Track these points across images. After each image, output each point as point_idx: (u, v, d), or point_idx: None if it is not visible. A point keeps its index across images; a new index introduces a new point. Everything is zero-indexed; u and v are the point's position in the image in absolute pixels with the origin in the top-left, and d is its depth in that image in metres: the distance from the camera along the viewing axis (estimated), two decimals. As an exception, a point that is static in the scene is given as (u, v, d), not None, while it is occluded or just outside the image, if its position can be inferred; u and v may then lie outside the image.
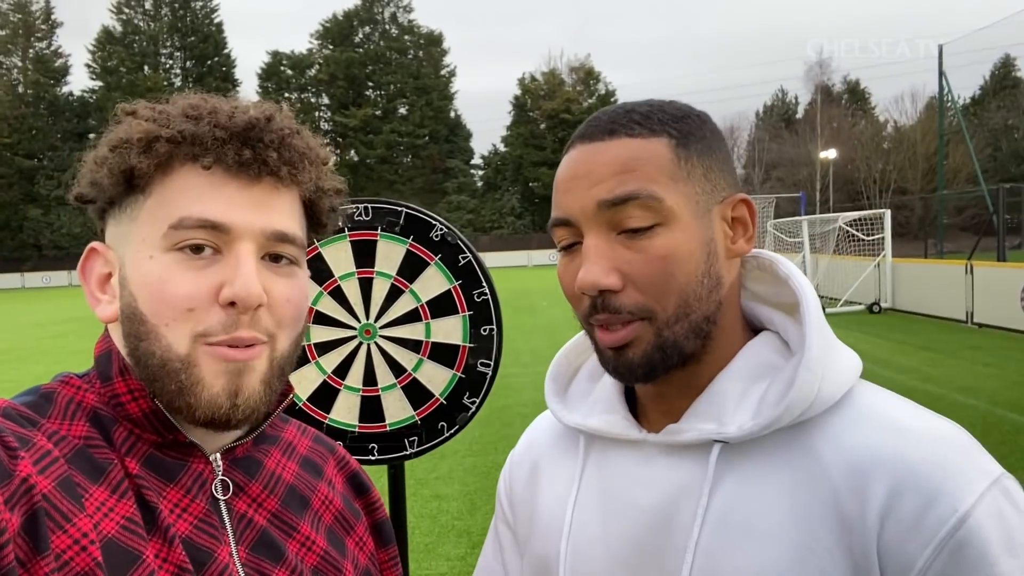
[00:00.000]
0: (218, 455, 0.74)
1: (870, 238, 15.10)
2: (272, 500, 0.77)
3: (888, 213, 15.10)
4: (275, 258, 0.72)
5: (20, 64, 51.19)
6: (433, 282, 1.59)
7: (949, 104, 22.62)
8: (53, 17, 52.92)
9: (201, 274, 0.67)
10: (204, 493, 0.72)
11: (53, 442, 0.65)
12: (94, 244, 0.73)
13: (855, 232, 15.31)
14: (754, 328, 0.81)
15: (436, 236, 1.58)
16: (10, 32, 51.11)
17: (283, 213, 0.72)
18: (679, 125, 0.74)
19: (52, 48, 52.69)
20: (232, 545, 0.71)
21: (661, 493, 0.75)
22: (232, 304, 0.67)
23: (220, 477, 0.74)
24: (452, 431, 1.62)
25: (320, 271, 1.59)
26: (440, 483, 5.35)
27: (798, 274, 0.77)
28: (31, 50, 51.58)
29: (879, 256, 14.65)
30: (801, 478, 0.69)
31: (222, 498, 0.73)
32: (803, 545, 0.66)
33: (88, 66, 51.70)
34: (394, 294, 1.59)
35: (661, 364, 0.73)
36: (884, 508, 0.64)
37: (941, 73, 21.23)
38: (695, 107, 0.78)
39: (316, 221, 0.79)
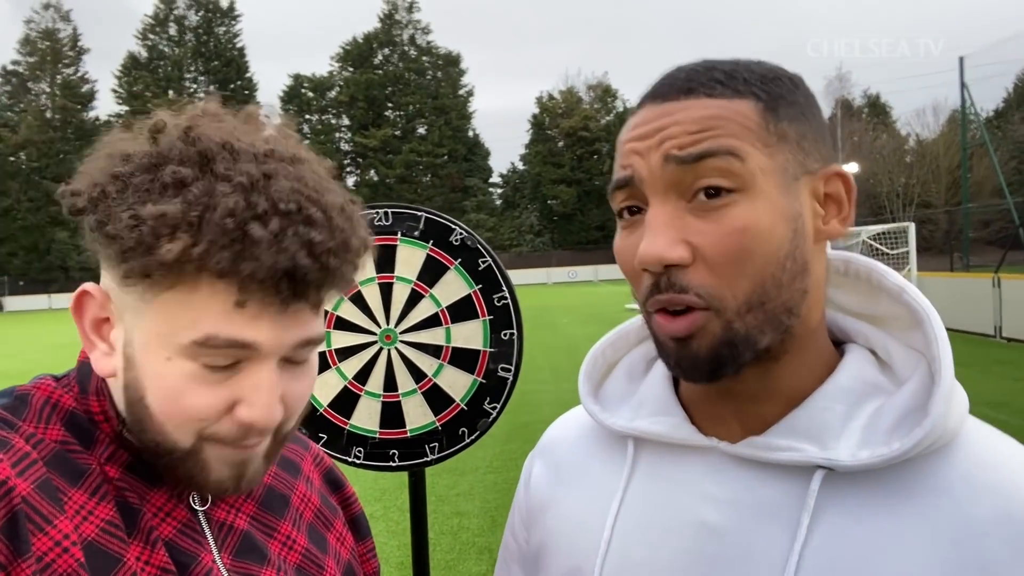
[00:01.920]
0: None
1: (894, 252, 14.93)
2: (250, 503, 0.77)
3: (912, 226, 14.94)
4: (291, 361, 0.67)
5: (48, 90, 52.37)
6: (453, 286, 1.58)
7: (972, 117, 22.39)
8: (80, 43, 54.18)
9: (219, 387, 0.64)
10: (183, 503, 0.71)
11: (31, 444, 0.64)
12: (88, 288, 0.67)
13: (879, 246, 15.15)
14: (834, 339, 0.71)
15: (456, 240, 1.58)
16: (38, 59, 52.35)
17: (312, 319, 0.66)
18: (768, 86, 0.64)
19: (79, 74, 53.87)
20: (215, 553, 0.71)
21: (738, 516, 0.64)
22: (248, 424, 0.64)
23: None
24: (473, 437, 1.60)
25: (340, 276, 1.59)
26: (461, 500, 5.31)
27: (911, 287, 0.66)
28: (59, 76, 52.75)
29: (904, 270, 14.47)
30: (932, 520, 0.59)
31: (200, 509, 0.72)
32: None
33: (114, 91, 52.79)
34: (414, 299, 1.58)
35: (730, 360, 0.62)
36: None
37: (963, 85, 21.04)
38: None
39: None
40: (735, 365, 0.63)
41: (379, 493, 5.33)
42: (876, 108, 55.03)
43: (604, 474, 0.76)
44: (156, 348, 0.63)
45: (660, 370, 0.75)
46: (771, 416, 0.66)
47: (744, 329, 0.62)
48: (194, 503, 0.72)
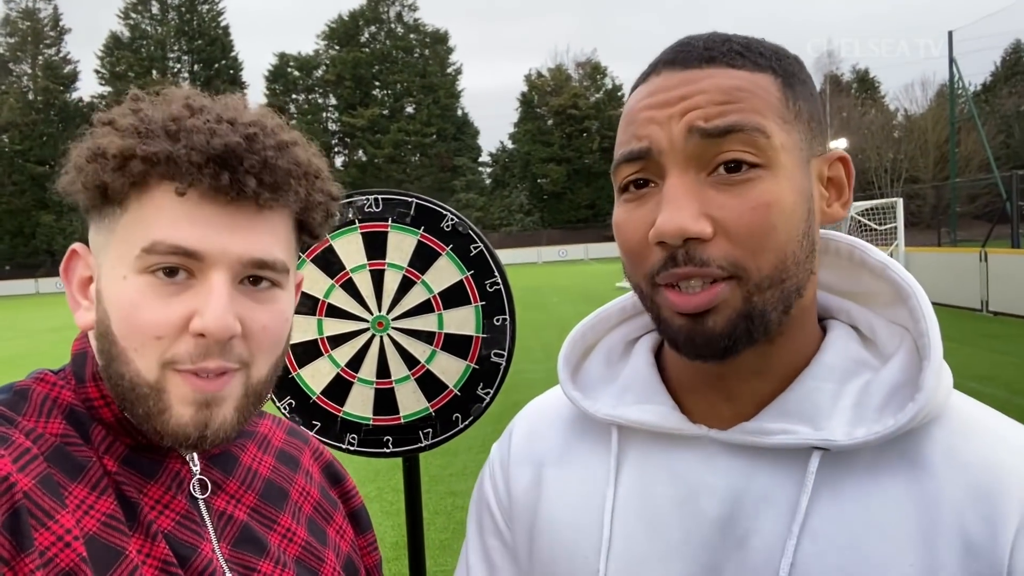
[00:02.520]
0: (195, 455, 0.74)
1: (882, 227, 14.99)
2: (250, 495, 0.77)
3: (900, 202, 15.00)
4: (255, 280, 0.69)
5: (30, 71, 51.55)
6: (445, 273, 1.58)
7: (960, 91, 22.40)
8: (61, 24, 53.27)
9: (172, 301, 0.65)
10: (183, 492, 0.71)
11: (31, 440, 0.64)
12: (75, 246, 0.71)
13: (867, 222, 15.21)
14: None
15: (447, 226, 1.57)
16: (19, 39, 51.46)
17: (265, 236, 0.68)
18: (783, 63, 0.63)
19: (61, 55, 53.03)
20: (214, 542, 0.71)
21: (736, 503, 0.64)
22: (201, 335, 0.65)
23: (198, 476, 0.73)
24: (467, 423, 1.61)
25: (331, 264, 1.58)
26: (455, 480, 5.34)
27: (895, 263, 0.66)
28: (40, 57, 51.92)
29: (892, 245, 14.55)
30: (915, 496, 0.60)
31: (200, 497, 0.72)
32: (925, 571, 0.58)
33: (97, 72, 52.03)
34: (406, 285, 1.58)
35: (745, 337, 0.61)
36: (1016, 534, 0.57)
37: (951, 60, 21.02)
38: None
39: (309, 232, 0.76)
40: (749, 341, 0.61)
41: (373, 474, 5.36)
42: (865, 83, 54.97)
43: (590, 465, 0.73)
44: (115, 270, 0.66)
45: (642, 353, 0.73)
46: (761, 397, 0.66)
47: (762, 304, 0.60)
48: (194, 491, 0.72)
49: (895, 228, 14.88)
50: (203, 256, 0.65)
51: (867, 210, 15.66)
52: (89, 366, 0.70)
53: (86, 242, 0.72)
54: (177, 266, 0.65)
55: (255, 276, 0.68)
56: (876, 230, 15.28)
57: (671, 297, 0.61)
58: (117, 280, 0.66)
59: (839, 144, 40.85)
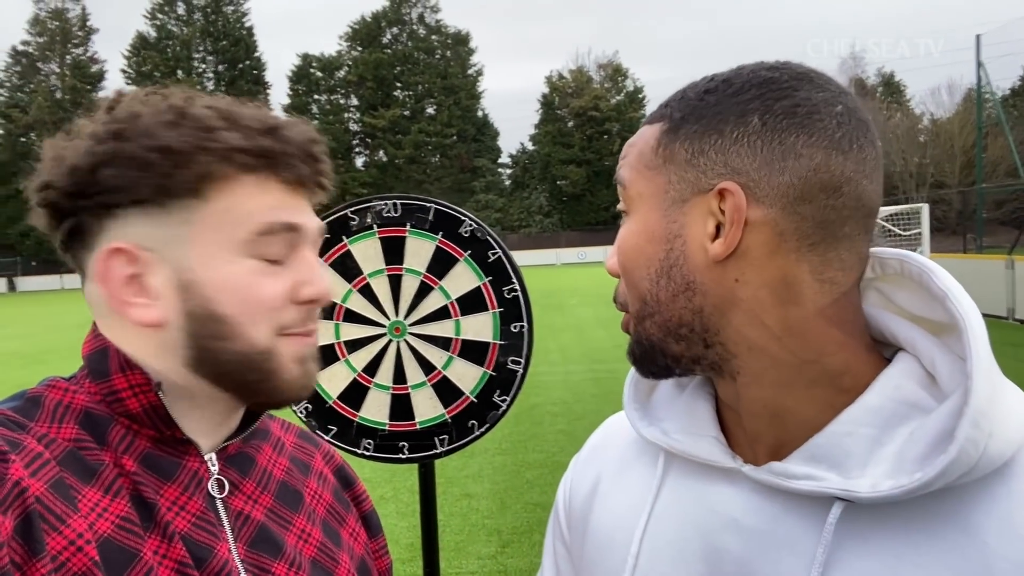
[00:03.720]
0: (213, 454, 0.75)
1: (907, 233, 14.81)
2: (267, 496, 0.78)
3: (926, 207, 14.81)
4: None
5: (58, 70, 52.38)
6: (463, 279, 1.57)
7: (987, 95, 22.06)
8: (89, 23, 54.09)
9: (279, 277, 0.72)
10: (200, 491, 0.72)
11: (43, 445, 0.65)
12: (120, 244, 0.69)
13: (892, 227, 15.03)
14: (878, 340, 0.65)
15: (466, 232, 1.56)
16: (48, 39, 52.32)
17: (315, 214, 0.78)
18: (688, 105, 0.64)
19: (88, 54, 53.85)
20: (231, 542, 0.72)
21: (759, 545, 0.62)
22: (310, 301, 0.73)
23: (215, 476, 0.74)
24: (483, 430, 1.60)
25: (349, 268, 1.58)
26: (470, 481, 5.34)
27: (960, 292, 0.60)
28: (68, 56, 52.75)
29: (916, 251, 14.35)
30: (954, 565, 0.55)
31: (219, 496, 0.73)
32: None
33: (123, 71, 52.74)
34: (424, 291, 1.58)
35: (645, 360, 0.68)
36: None
37: (979, 64, 20.72)
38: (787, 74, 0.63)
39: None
40: (654, 365, 0.68)
41: (389, 475, 5.37)
42: (890, 87, 54.36)
43: (637, 485, 0.75)
44: (217, 255, 0.70)
45: (700, 379, 0.73)
46: (777, 438, 0.64)
47: (645, 334, 0.67)
48: (212, 491, 0.73)
49: (919, 234, 14.69)
50: (304, 230, 0.74)
51: (892, 215, 15.48)
52: (113, 360, 0.71)
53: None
54: (282, 252, 0.72)
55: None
56: (901, 236, 15.09)
57: None
58: (223, 264, 0.70)
59: (863, 148, 40.13)
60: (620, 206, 0.69)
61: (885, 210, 15.52)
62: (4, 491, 0.58)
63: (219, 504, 0.73)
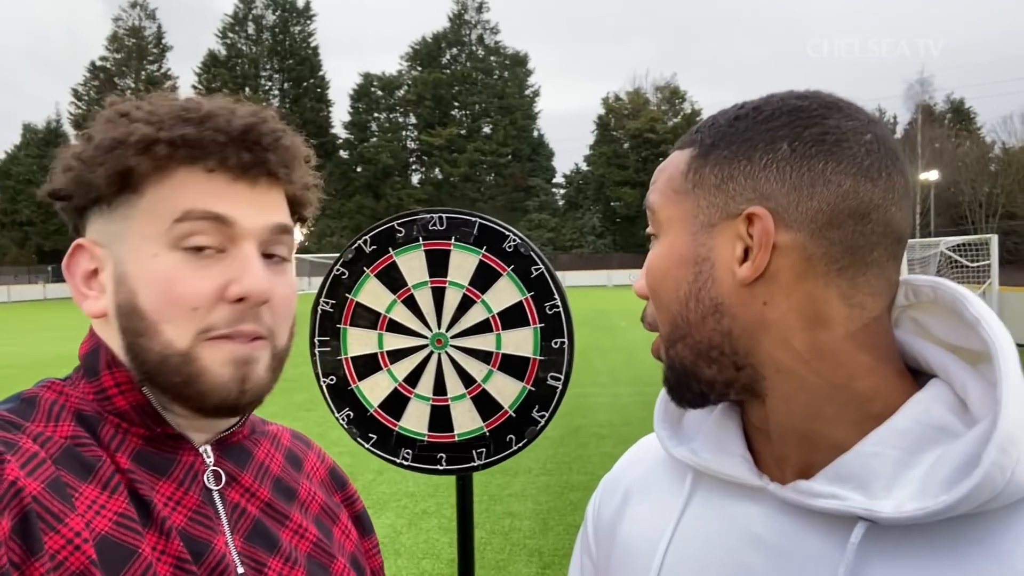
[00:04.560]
0: (208, 446, 0.75)
1: (975, 264, 14.27)
2: (263, 490, 0.78)
3: (995, 238, 14.25)
4: (270, 256, 0.73)
5: (133, 85, 54.74)
6: (505, 293, 1.58)
7: (1064, 123, 21.15)
8: (164, 41, 56.50)
9: (206, 273, 0.68)
10: (197, 484, 0.72)
11: (39, 444, 0.65)
12: (81, 241, 0.73)
13: (959, 258, 14.51)
14: (912, 368, 0.65)
15: (509, 247, 1.57)
16: (125, 55, 54.82)
17: (278, 208, 0.74)
18: (719, 131, 0.66)
19: (162, 70, 56.19)
20: (227, 535, 0.72)
21: (781, 563, 0.63)
22: (240, 300, 0.68)
23: (211, 468, 0.74)
24: (520, 444, 1.60)
25: (394, 279, 1.60)
26: (513, 500, 5.31)
27: (993, 319, 0.60)
28: (143, 72, 55.12)
29: (984, 284, 13.80)
30: None
31: (215, 488, 0.73)
32: None
33: (194, 87, 54.83)
34: (466, 304, 1.59)
35: (679, 386, 0.68)
36: None
37: (1055, 91, 19.92)
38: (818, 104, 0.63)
39: (300, 216, 0.81)
40: (688, 391, 0.68)
41: (432, 489, 5.38)
42: (959, 114, 52.70)
43: (664, 502, 0.75)
44: (143, 249, 0.69)
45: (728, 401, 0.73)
46: (805, 460, 0.64)
47: (677, 357, 0.67)
48: (208, 483, 0.73)
49: (988, 265, 14.13)
50: (233, 223, 0.69)
51: (959, 246, 14.95)
52: (103, 357, 0.72)
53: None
54: (208, 242, 0.69)
55: (275, 248, 0.73)
56: (968, 267, 14.54)
57: None
58: (147, 258, 0.69)
59: (930, 176, 39.22)
60: (649, 230, 0.71)
61: (951, 240, 15.01)
62: (0, 491, 0.58)
63: (216, 496, 0.73)
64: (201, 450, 0.74)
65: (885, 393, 0.62)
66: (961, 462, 0.56)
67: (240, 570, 0.71)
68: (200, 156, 0.69)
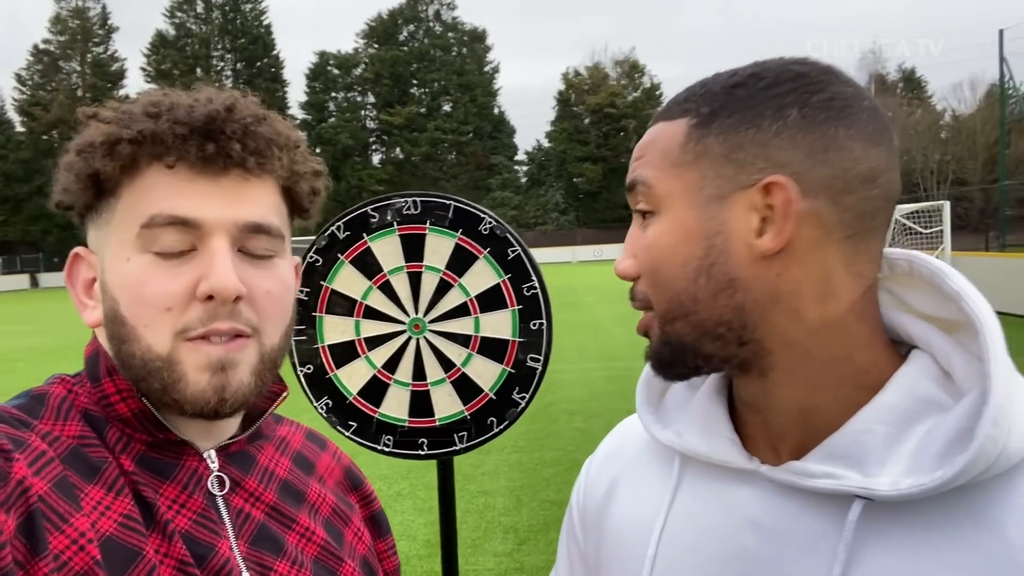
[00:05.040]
0: (212, 451, 0.74)
1: (928, 231, 14.64)
2: (268, 494, 0.77)
3: (947, 205, 14.63)
4: (253, 250, 0.71)
5: (79, 68, 52.98)
6: (482, 276, 1.57)
7: (1011, 91, 21.74)
8: (110, 22, 54.62)
9: (176, 273, 0.67)
10: (201, 489, 0.71)
11: (47, 443, 0.65)
12: (78, 249, 0.73)
13: (912, 225, 14.87)
14: (893, 339, 0.65)
15: (485, 230, 1.57)
16: (69, 37, 52.91)
17: (256, 203, 0.70)
18: (718, 99, 0.63)
19: (109, 52, 54.36)
20: (232, 540, 0.71)
21: (779, 545, 0.62)
22: (210, 298, 0.66)
23: (215, 473, 0.73)
24: (502, 426, 1.60)
25: (369, 265, 1.59)
26: (486, 479, 5.35)
27: (973, 292, 0.61)
28: (89, 55, 53.31)
29: (937, 249, 14.19)
30: (976, 560, 0.55)
31: (219, 494, 0.73)
32: None
33: (143, 69, 53.25)
34: (443, 288, 1.58)
35: (674, 362, 0.66)
36: None
37: (1002, 59, 20.43)
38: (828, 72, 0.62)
39: (298, 206, 0.77)
40: (683, 366, 0.66)
41: (406, 471, 5.39)
42: (911, 83, 53.73)
43: (653, 488, 0.75)
44: (118, 255, 0.68)
45: (713, 380, 0.73)
46: (802, 436, 0.64)
47: (675, 335, 0.65)
48: (212, 488, 0.72)
49: (941, 231, 14.52)
50: (201, 223, 0.67)
51: (912, 213, 15.31)
52: (103, 363, 0.71)
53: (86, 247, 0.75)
54: (177, 243, 0.67)
55: (253, 245, 0.70)
56: (921, 234, 14.92)
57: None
58: (120, 263, 0.68)
59: (883, 145, 39.67)
60: (641, 206, 0.67)
61: (905, 208, 15.35)
62: (7, 490, 0.58)
63: (220, 502, 0.72)
64: (205, 455, 0.74)
65: (879, 365, 0.62)
66: (952, 436, 0.56)
67: (245, 575, 0.70)
68: (162, 151, 0.67)
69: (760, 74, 0.63)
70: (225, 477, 0.74)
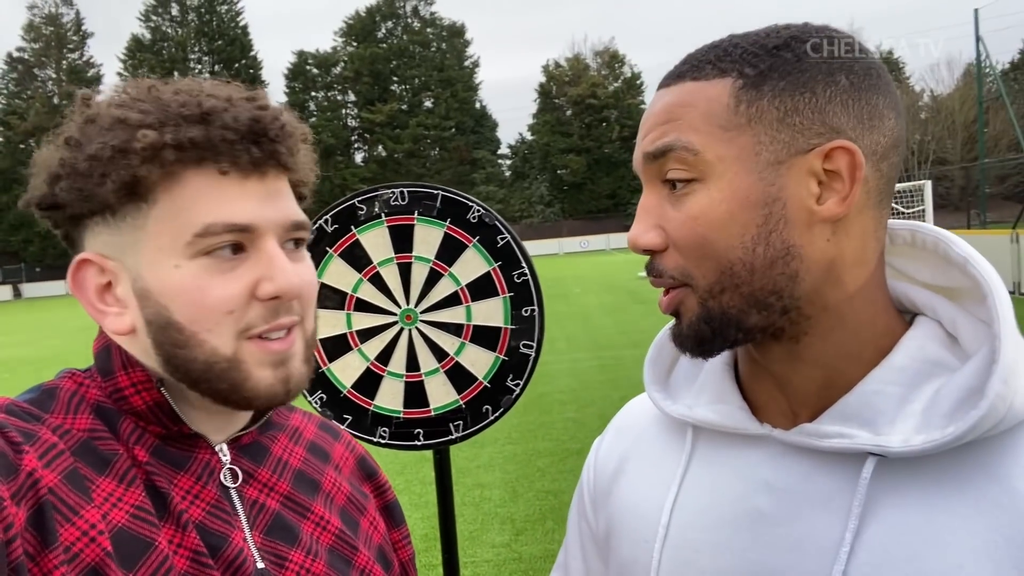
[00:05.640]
0: (224, 444, 0.74)
1: (910, 211, 14.76)
2: (283, 484, 0.77)
3: (928, 184, 14.76)
4: (288, 242, 0.72)
5: (54, 76, 52.35)
6: (472, 264, 1.57)
7: (987, 70, 21.93)
8: (84, 28, 54.01)
9: (233, 276, 0.67)
10: (214, 481, 0.72)
11: (58, 435, 0.65)
12: (86, 255, 0.70)
13: (894, 205, 14.97)
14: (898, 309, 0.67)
15: (473, 218, 1.57)
16: (43, 44, 52.25)
17: (290, 199, 0.73)
18: (763, 60, 0.61)
19: (84, 58, 53.76)
20: (246, 531, 0.71)
21: (792, 504, 0.63)
22: (274, 298, 0.68)
23: (228, 466, 0.74)
24: (497, 414, 1.61)
25: (358, 258, 1.58)
26: (481, 471, 5.36)
27: (979, 258, 0.62)
28: (64, 61, 52.68)
29: (920, 229, 14.31)
30: (986, 511, 0.56)
31: (232, 486, 0.73)
32: None
33: (120, 74, 52.61)
34: (433, 278, 1.58)
35: (714, 337, 0.63)
36: None
37: (978, 38, 20.58)
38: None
39: (299, 195, 0.78)
40: (723, 341, 0.64)
41: (400, 467, 5.39)
42: (889, 64, 54.10)
43: (664, 461, 0.75)
44: (163, 262, 0.67)
45: (722, 353, 0.73)
46: (822, 401, 0.65)
47: (719, 308, 0.62)
48: (225, 480, 0.72)
49: (923, 211, 14.65)
50: (255, 228, 0.68)
51: (894, 192, 15.45)
52: (116, 357, 0.71)
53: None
54: (232, 243, 0.67)
55: (294, 240, 0.72)
56: (904, 213, 15.04)
57: (660, 299, 0.67)
58: (169, 271, 0.67)
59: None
60: (675, 174, 0.62)
61: (887, 188, 15.48)
62: (18, 482, 0.58)
63: (233, 493, 0.73)
64: (217, 448, 0.74)
65: (892, 330, 0.64)
66: (962, 395, 0.58)
67: (260, 565, 0.70)
68: (210, 157, 0.66)
69: (800, 36, 0.62)
70: (238, 470, 0.74)
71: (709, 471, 0.71)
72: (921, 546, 0.57)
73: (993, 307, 0.59)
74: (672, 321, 0.73)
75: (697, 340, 0.65)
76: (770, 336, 0.64)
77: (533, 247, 41.65)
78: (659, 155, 0.63)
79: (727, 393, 0.71)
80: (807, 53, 0.61)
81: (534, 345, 1.58)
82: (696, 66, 0.63)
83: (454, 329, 1.59)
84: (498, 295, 1.58)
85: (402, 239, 1.58)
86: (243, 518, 0.72)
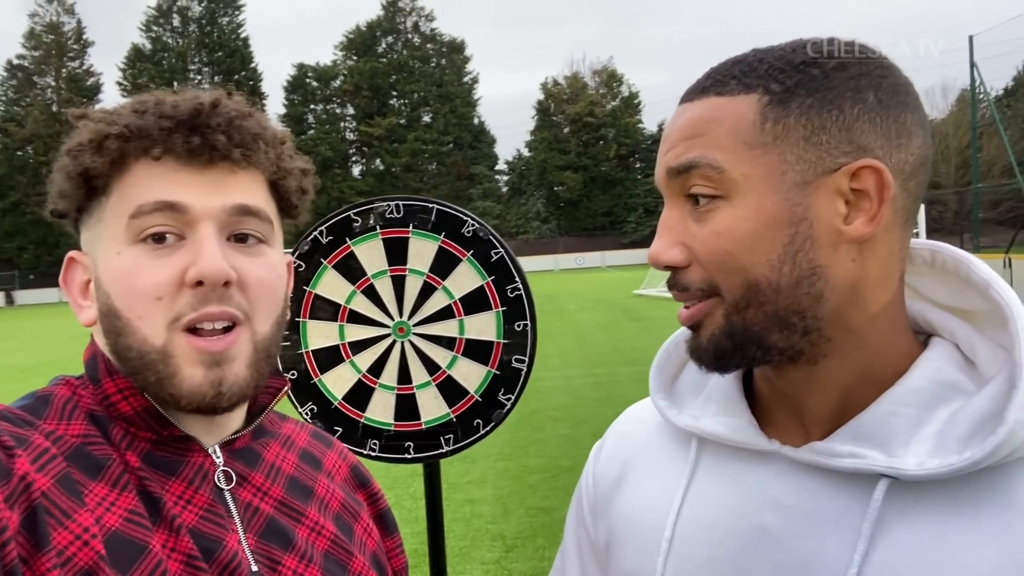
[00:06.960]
0: (217, 447, 0.74)
1: (903, 234, 14.86)
2: (276, 488, 0.77)
3: (922, 208, 14.85)
4: (241, 238, 0.71)
5: (53, 83, 52.39)
6: (466, 278, 1.58)
7: (981, 96, 22.16)
8: (85, 36, 54.13)
9: (165, 262, 0.67)
10: (207, 484, 0.72)
11: (51, 441, 0.65)
12: (72, 253, 0.74)
13: (888, 228, 15.08)
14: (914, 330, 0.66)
15: (468, 232, 1.57)
16: (43, 52, 52.35)
17: (243, 190, 0.71)
18: (790, 76, 0.60)
19: (84, 67, 53.85)
20: (240, 533, 0.71)
21: (800, 523, 0.62)
22: (200, 284, 0.66)
23: (222, 468, 0.74)
24: (488, 428, 1.61)
25: (353, 269, 1.59)
26: (472, 487, 5.34)
27: (1001, 282, 0.61)
28: (64, 70, 52.77)
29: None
30: (999, 537, 0.56)
31: (226, 488, 0.73)
32: None
33: (119, 84, 52.75)
34: (427, 291, 1.59)
35: (734, 353, 0.63)
36: None
37: (972, 65, 20.81)
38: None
39: (286, 202, 0.78)
40: (742, 358, 0.63)
41: (391, 481, 5.36)
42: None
43: (668, 471, 0.74)
44: (108, 250, 0.69)
45: None
46: (835, 420, 0.64)
47: (743, 324, 0.62)
48: (219, 483, 0.72)
49: (916, 234, 14.73)
50: (187, 208, 0.67)
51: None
52: (102, 364, 0.71)
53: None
54: (165, 230, 0.67)
55: (241, 233, 0.71)
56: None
57: (679, 311, 0.66)
58: (112, 257, 0.69)
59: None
60: (698, 190, 0.62)
61: (882, 211, 15.58)
62: (11, 486, 0.58)
63: (227, 496, 0.72)
64: (210, 450, 0.74)
65: (910, 351, 0.64)
66: (980, 419, 0.57)
67: (254, 568, 0.70)
68: (149, 145, 0.68)
69: (827, 52, 0.61)
70: (231, 472, 0.74)
71: (714, 484, 0.69)
72: (931, 569, 0.56)
73: (1015, 333, 0.58)
74: (682, 330, 0.72)
75: (716, 354, 0.64)
76: (788, 360, 0.63)
77: (528, 263, 41.71)
78: (683, 171, 0.62)
79: (735, 406, 0.69)
80: (835, 69, 0.60)
81: (526, 360, 1.58)
82: (720, 81, 0.62)
83: (447, 342, 1.59)
84: (491, 309, 1.58)
85: (396, 252, 1.58)
86: (237, 521, 0.72)
